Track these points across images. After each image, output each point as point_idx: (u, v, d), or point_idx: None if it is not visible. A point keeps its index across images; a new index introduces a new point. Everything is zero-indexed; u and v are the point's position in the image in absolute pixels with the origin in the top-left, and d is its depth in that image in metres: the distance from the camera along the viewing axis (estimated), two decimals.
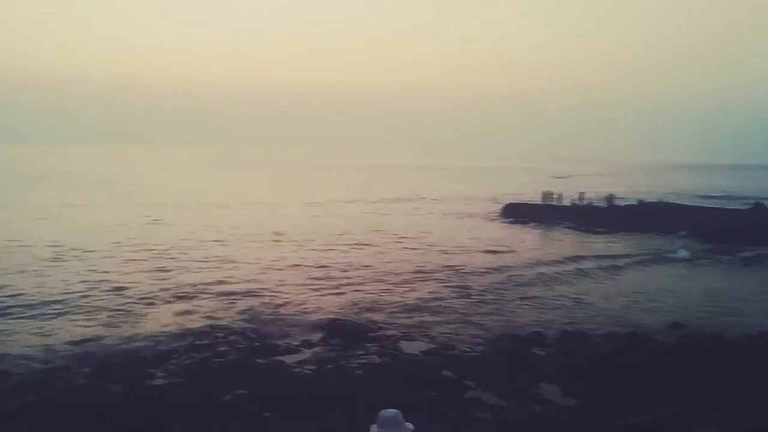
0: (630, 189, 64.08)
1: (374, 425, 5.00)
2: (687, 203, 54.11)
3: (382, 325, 19.87)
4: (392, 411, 4.99)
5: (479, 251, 34.86)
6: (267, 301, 22.74)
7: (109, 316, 20.26)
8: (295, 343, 17.76)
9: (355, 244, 36.30)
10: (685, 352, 16.81)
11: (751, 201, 55.22)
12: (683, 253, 34.89)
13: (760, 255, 34.65)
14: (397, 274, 27.93)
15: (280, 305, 22.17)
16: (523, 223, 48.27)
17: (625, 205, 50.33)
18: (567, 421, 11.11)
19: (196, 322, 19.74)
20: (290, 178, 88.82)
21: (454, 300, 23.62)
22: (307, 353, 16.94)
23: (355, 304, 22.47)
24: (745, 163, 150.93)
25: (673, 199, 56.02)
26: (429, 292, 24.60)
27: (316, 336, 18.53)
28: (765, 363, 15.07)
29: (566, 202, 51.73)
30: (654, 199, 52.07)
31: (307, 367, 15.58)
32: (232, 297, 23.18)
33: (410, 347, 17.51)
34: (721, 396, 12.63)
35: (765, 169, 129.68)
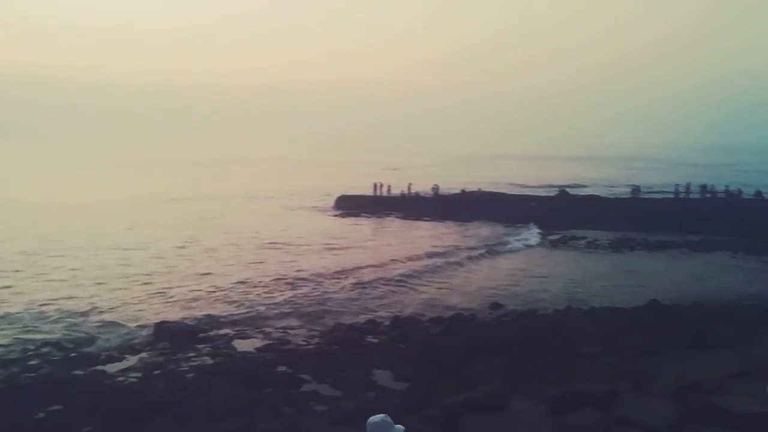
0: (456, 179, 68.13)
1: None
2: (504, 191, 58.81)
3: (214, 324, 19.10)
4: (379, 416, 4.74)
5: (313, 246, 34.62)
6: (85, 308, 20.73)
7: None
8: (119, 351, 16.47)
9: (180, 245, 33.99)
10: (504, 330, 18.41)
11: (557, 188, 61.50)
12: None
13: (565, 237, 38.85)
14: (227, 276, 26.33)
15: (102, 311, 20.36)
16: (355, 215, 49.32)
17: (449, 194, 53.64)
18: (398, 404, 11.52)
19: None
20: (111, 175, 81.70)
21: (289, 294, 23.43)
22: (132, 360, 15.79)
23: (187, 306, 21.29)
24: (561, 155, 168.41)
25: (492, 188, 60.54)
26: (266, 290, 24.07)
27: (142, 341, 17.33)
28: (568, 333, 16.98)
29: (396, 193, 53.88)
30: (474, 188, 55.93)
31: (132, 375, 14.54)
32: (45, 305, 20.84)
33: (244, 345, 17.09)
34: (533, 367, 13.94)
35: (573, 159, 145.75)
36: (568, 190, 59.77)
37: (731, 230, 37.44)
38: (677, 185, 52.36)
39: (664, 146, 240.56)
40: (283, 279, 25.76)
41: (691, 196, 50.70)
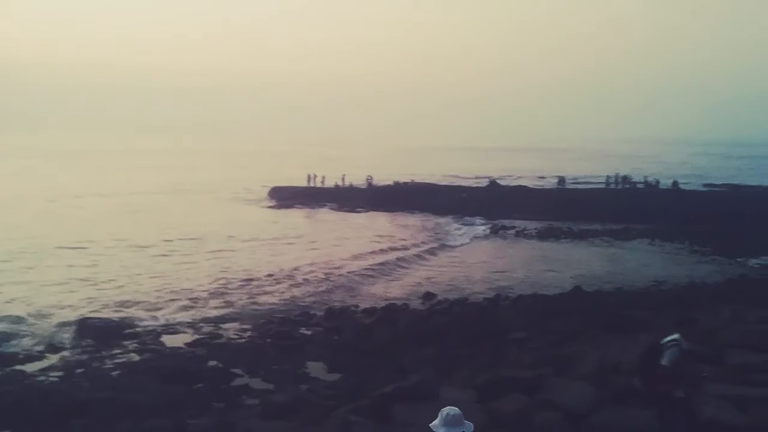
0: (390, 170, 68.51)
1: (435, 422, 4.77)
2: (436, 182, 59.65)
3: (142, 320, 18.49)
4: (455, 409, 4.80)
5: (245, 239, 33.86)
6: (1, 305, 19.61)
7: None
8: (38, 349, 15.68)
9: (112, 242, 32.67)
10: (436, 318, 18.70)
11: (487, 179, 62.83)
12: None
13: (495, 226, 39.83)
14: (161, 275, 25.17)
15: (21, 308, 19.28)
16: (288, 206, 48.83)
17: (383, 185, 53.96)
18: (330, 395, 11.54)
19: None
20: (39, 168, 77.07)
21: (221, 288, 22.97)
22: (53, 359, 15.08)
23: (113, 303, 20.44)
24: (494, 146, 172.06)
25: (426, 179, 61.23)
26: (196, 285, 23.46)
27: (64, 338, 16.56)
28: (497, 321, 17.45)
29: (330, 184, 53.79)
30: (408, 180, 56.51)
31: (53, 374, 13.88)
32: None
33: (174, 340, 16.64)
34: (464, 355, 14.28)
35: (506, 150, 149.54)
36: (498, 181, 61.25)
37: (649, 219, 39.43)
38: (608, 176, 54.69)
39: (596, 139, 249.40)
40: (214, 273, 25.16)
41: (613, 186, 53.11)
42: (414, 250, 31.53)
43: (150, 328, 17.65)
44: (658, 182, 54.08)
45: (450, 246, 33.77)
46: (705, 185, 63.64)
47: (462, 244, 34.46)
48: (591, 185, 57.94)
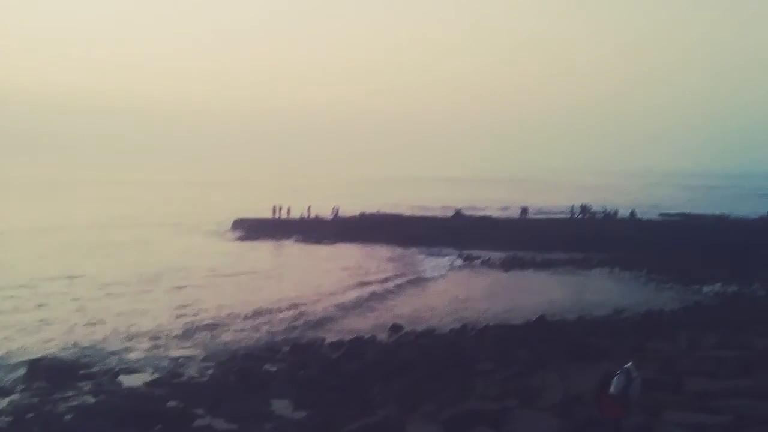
0: (357, 201, 68.53)
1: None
2: (402, 213, 59.82)
3: (98, 359, 17.86)
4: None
5: (203, 275, 32.78)
6: None
7: None
8: None
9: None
10: (403, 351, 18.58)
11: (453, 209, 63.32)
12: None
13: (461, 256, 40.12)
14: (119, 312, 24.34)
15: None
16: (253, 238, 48.33)
17: (349, 217, 53.89)
18: None
19: None
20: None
21: (185, 324, 22.43)
22: (2, 403, 14.40)
23: (67, 342, 19.66)
24: (459, 176, 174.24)
25: (392, 210, 61.35)
26: (158, 321, 22.85)
27: (14, 381, 15.85)
28: (464, 352, 17.45)
29: (295, 216, 53.53)
30: (374, 210, 56.61)
31: (2, 419, 13.25)
32: None
33: (132, 380, 16.08)
34: (431, 388, 14.18)
35: (471, 181, 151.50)
36: (463, 211, 61.77)
37: (609, 247, 40.23)
38: (573, 206, 55.77)
39: (556, 168, 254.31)
40: (175, 309, 24.54)
41: (575, 216, 54.17)
42: (381, 286, 30.72)
43: (106, 368, 17.04)
44: (616, 212, 55.37)
45: (423, 279, 33.50)
46: (661, 215, 65.41)
47: (432, 277, 34.16)
48: (553, 215, 59.02)
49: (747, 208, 71.24)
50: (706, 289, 29.97)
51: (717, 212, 66.01)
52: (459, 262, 39.03)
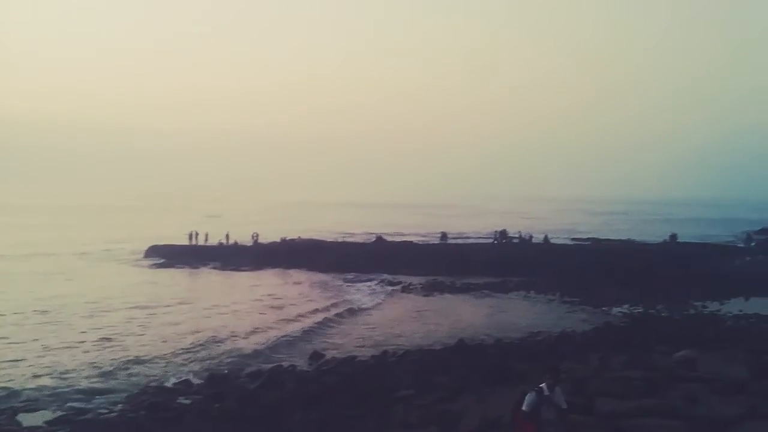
0: (277, 227, 67.60)
1: None
2: (323, 239, 59.60)
3: None
4: None
5: (112, 304, 31.42)
6: None
7: None
8: None
9: None
10: (324, 379, 18.32)
11: (374, 235, 63.76)
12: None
13: (381, 281, 40.31)
14: (19, 343, 23.14)
15: None
16: (168, 266, 46.65)
17: (269, 243, 53.11)
18: None
19: None
20: None
21: (91, 357, 21.19)
22: None
23: None
24: (380, 202, 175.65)
25: (313, 236, 61.02)
26: (62, 353, 21.50)
27: None
28: (385, 378, 17.41)
29: (213, 242, 52.27)
30: (295, 236, 56.12)
31: None
32: None
33: (32, 419, 14.99)
34: (351, 416, 14.05)
35: (391, 207, 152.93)
36: (384, 236, 62.28)
37: (525, 271, 41.65)
38: (495, 232, 57.48)
39: (475, 196, 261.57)
40: (80, 340, 23.27)
41: (495, 241, 55.86)
42: (302, 316, 29.69)
43: (4, 406, 15.81)
44: (531, 237, 57.51)
45: (346, 305, 32.82)
46: (572, 239, 68.58)
47: (359, 305, 33.39)
48: (470, 240, 60.62)
49: (652, 233, 76.03)
50: (614, 310, 31.48)
51: (624, 237, 70.13)
52: (380, 287, 39.13)
